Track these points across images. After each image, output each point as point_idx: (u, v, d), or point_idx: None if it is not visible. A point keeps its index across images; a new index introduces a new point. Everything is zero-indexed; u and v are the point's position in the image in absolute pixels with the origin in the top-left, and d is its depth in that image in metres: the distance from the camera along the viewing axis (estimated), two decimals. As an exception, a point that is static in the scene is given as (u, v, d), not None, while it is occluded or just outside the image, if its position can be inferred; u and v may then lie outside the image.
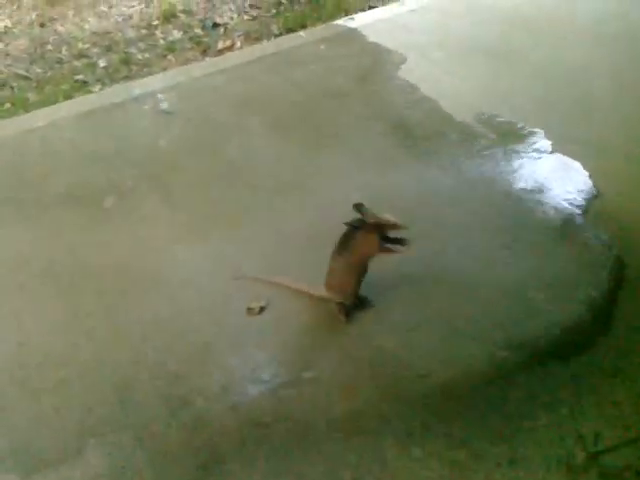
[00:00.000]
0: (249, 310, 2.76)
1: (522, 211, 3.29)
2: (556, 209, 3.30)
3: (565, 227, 3.20)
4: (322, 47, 4.69)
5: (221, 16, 5.90)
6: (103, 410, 2.39)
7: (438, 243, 3.04)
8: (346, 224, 2.54)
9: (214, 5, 6.03)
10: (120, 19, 5.78)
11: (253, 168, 3.57)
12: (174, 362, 2.57)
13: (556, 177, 3.52)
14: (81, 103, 4.10)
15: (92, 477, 2.18)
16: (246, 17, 5.89)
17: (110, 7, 6.01)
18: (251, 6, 6.10)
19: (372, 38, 4.73)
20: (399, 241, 2.59)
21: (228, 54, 4.78)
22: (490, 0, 5.35)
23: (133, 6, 6.02)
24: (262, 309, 2.77)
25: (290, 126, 3.89)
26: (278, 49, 4.66)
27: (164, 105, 3.98)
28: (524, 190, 3.41)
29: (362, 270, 2.66)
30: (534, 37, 4.81)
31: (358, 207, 2.53)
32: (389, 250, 2.62)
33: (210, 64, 4.56)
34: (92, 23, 5.71)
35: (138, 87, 4.24)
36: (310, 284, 2.80)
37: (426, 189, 3.41)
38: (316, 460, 2.27)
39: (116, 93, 4.18)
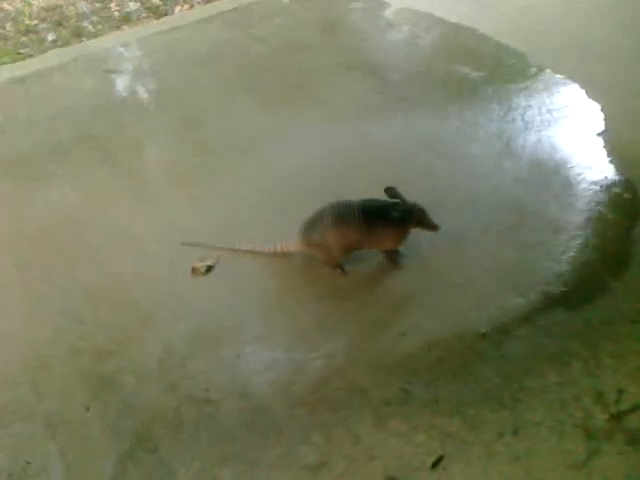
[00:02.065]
0: (194, 270, 2.32)
1: (522, 155, 2.84)
2: (560, 150, 2.86)
3: (572, 166, 2.75)
4: (286, 1, 4.25)
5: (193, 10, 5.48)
6: (10, 394, 1.94)
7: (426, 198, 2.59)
8: (388, 191, 2.17)
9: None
10: (72, -7, 5.36)
11: (208, 126, 3.13)
12: (104, 336, 2.12)
13: (557, 114, 3.07)
14: (18, 68, 3.66)
15: (-11, 477, 1.73)
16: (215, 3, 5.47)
17: (63, -17, 5.60)
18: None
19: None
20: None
21: (184, 13, 4.34)
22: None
23: (87, -19, 5.61)
24: (209, 269, 2.32)
25: (250, 80, 3.46)
26: (238, 5, 4.22)
27: (108, 65, 3.55)
28: (522, 130, 2.97)
29: (367, 248, 2.29)
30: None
31: (390, 191, 2.17)
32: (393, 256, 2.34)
33: (163, 23, 4.13)
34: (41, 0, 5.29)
35: (81, 49, 3.81)
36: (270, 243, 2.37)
37: (409, 139, 2.96)
38: (273, 442, 1.82)
39: (56, 57, 3.74)
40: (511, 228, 2.46)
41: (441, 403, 1.88)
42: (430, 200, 2.29)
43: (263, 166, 2.82)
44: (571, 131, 2.95)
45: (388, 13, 3.98)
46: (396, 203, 2.15)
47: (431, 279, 2.27)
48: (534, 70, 3.37)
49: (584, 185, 2.64)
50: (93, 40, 4.02)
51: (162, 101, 3.31)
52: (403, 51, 3.64)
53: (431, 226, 2.21)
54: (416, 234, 2.26)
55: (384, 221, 2.16)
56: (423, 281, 2.26)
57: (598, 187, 2.62)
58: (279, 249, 2.35)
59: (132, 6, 5.22)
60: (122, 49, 3.75)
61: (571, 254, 2.34)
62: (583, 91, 3.19)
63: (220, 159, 2.90)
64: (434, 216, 2.24)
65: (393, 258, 2.32)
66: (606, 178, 2.67)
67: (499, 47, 3.55)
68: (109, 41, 3.89)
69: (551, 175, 2.70)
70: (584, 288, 2.23)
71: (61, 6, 5.20)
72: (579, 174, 2.70)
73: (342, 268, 2.31)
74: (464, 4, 3.97)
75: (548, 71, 3.34)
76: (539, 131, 2.94)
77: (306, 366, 2.01)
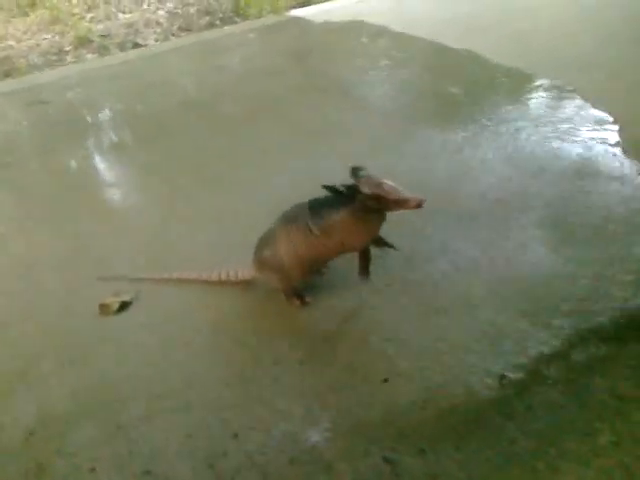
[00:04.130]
0: (103, 308, 1.72)
1: (542, 168, 2.32)
2: (579, 162, 2.34)
3: (596, 180, 2.22)
4: (251, 35, 3.86)
5: (144, 39, 5.15)
6: None
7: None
8: (326, 188, 1.55)
9: (137, 30, 5.30)
10: (26, 48, 5.00)
11: (148, 151, 2.61)
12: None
13: (571, 125, 2.58)
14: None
15: None
16: (174, 39, 5.13)
17: (19, 42, 5.26)
18: (180, 29, 5.37)
19: (318, 20, 3.89)
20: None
21: (139, 49, 3.94)
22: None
23: (45, 38, 5.28)
24: (124, 305, 1.73)
25: (207, 104, 2.98)
26: (199, 39, 3.83)
27: (40, 96, 3.07)
28: (536, 143, 2.46)
29: (327, 258, 1.68)
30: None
31: (356, 171, 1.56)
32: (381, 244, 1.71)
33: (114, 58, 3.72)
34: (-8, 54, 4.92)
35: (15, 84, 3.35)
36: (213, 270, 1.80)
37: (390, 156, 2.43)
38: None
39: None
40: (526, 244, 1.89)
41: (443, 479, 1.25)
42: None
43: (207, 184, 2.29)
44: (587, 143, 2.43)
45: (364, 37, 3.57)
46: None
47: (421, 307, 1.67)
48: (540, 84, 2.91)
49: (613, 198, 2.10)
50: (33, 74, 3.57)
51: (95, 129, 2.82)
52: (381, 72, 3.20)
53: (403, 200, 1.51)
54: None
55: (332, 209, 1.55)
56: (410, 310, 1.67)
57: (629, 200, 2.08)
58: (225, 276, 1.78)
59: (89, 57, 4.85)
60: (62, 82, 3.29)
61: (608, 272, 1.76)
62: (589, 103, 2.72)
63: (155, 183, 2.37)
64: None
65: (365, 267, 1.73)
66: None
67: (489, 65, 3.11)
68: (50, 76, 3.44)
69: (573, 188, 2.17)
70: (631, 314, 1.64)
71: (11, 57, 4.82)
72: (605, 188, 2.16)
73: (302, 298, 1.71)
74: (449, 27, 3.57)
75: (557, 85, 2.88)
76: (558, 143, 2.43)
77: (245, 430, 1.37)
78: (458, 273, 1.78)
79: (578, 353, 1.51)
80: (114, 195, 2.34)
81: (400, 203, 1.51)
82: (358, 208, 1.53)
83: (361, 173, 1.54)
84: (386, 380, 1.47)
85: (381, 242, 1.69)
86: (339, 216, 1.54)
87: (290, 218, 1.60)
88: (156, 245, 1.98)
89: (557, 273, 1.76)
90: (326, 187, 1.54)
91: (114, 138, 2.74)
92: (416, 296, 1.70)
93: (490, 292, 1.71)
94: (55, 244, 2.02)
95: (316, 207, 1.57)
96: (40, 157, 2.59)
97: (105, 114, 2.94)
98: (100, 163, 2.54)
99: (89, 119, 2.89)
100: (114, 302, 1.72)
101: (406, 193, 1.51)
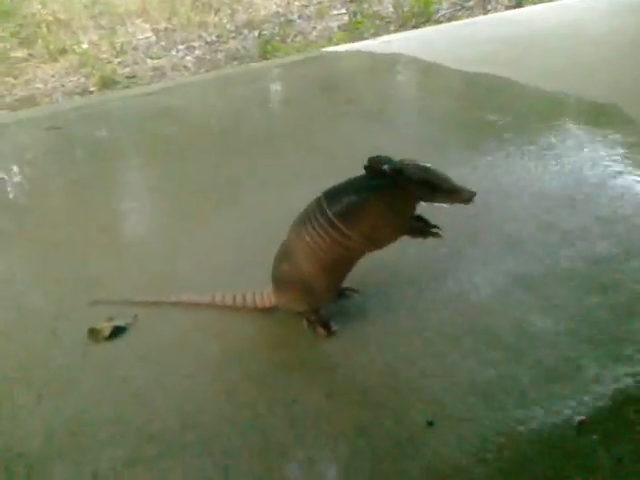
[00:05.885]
0: (93, 333, 1.46)
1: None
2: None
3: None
4: (276, 70, 3.71)
5: (171, 81, 5.08)
6: None
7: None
8: (368, 168, 1.30)
9: (164, 73, 5.25)
10: (51, 88, 4.98)
11: (151, 173, 2.43)
12: None
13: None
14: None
15: None
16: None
17: (46, 84, 5.25)
18: (207, 72, 5.32)
19: (345, 54, 3.74)
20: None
21: (159, 84, 3.82)
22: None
23: (71, 80, 5.26)
24: (118, 331, 1.47)
25: (225, 130, 2.79)
26: (224, 73, 3.70)
27: (52, 123, 2.91)
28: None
29: (351, 260, 1.37)
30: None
31: (375, 162, 1.30)
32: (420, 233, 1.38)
33: (136, 90, 3.58)
34: (18, 95, 4.88)
35: (33, 112, 3.25)
36: (228, 293, 1.53)
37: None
38: None
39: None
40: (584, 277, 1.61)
41: None
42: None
43: (220, 207, 2.06)
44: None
45: (393, 68, 3.39)
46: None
47: (471, 337, 1.38)
48: (580, 107, 2.67)
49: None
50: (46, 105, 3.49)
51: (106, 152, 2.62)
52: (413, 100, 3.00)
53: (456, 191, 1.27)
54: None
55: (357, 195, 1.29)
56: (458, 340, 1.38)
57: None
58: (241, 301, 1.51)
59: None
60: (79, 110, 3.15)
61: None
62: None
63: (163, 205, 2.16)
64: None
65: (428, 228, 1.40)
66: None
67: (526, 90, 2.88)
68: (68, 104, 3.34)
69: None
70: None
71: (35, 96, 4.79)
72: None
73: (328, 326, 1.44)
74: (480, 58, 3.36)
75: (600, 107, 2.63)
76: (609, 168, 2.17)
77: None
78: (516, 300, 1.50)
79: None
80: (119, 217, 2.12)
81: (451, 195, 1.26)
82: (391, 194, 1.28)
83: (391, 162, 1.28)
84: (431, 423, 1.17)
85: (419, 230, 1.37)
86: (367, 202, 1.27)
87: (302, 218, 1.34)
88: (160, 267, 1.73)
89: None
90: (368, 167, 1.28)
91: (125, 161, 2.55)
92: (464, 325, 1.42)
93: (558, 322, 1.41)
94: (50, 264, 1.79)
95: (334, 194, 1.31)
96: (44, 179, 2.40)
97: (119, 138, 2.77)
98: (108, 185, 2.33)
99: (101, 143, 2.71)
100: (106, 327, 1.47)
101: (457, 183, 1.25)
